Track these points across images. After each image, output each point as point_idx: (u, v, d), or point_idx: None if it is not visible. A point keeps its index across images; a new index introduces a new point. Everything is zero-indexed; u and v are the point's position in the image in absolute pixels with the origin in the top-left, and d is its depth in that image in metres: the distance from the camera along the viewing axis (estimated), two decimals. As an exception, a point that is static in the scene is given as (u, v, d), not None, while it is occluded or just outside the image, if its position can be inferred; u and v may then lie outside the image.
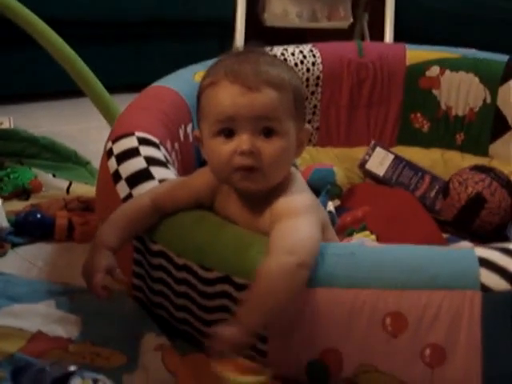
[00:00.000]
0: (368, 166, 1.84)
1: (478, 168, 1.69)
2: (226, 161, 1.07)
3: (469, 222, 1.63)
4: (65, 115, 2.36)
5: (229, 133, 1.07)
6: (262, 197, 1.10)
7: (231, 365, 0.95)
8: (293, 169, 1.15)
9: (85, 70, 1.72)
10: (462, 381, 1.00)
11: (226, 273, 1.05)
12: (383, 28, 2.70)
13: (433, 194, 1.77)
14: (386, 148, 1.86)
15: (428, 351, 0.99)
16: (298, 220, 1.05)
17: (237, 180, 1.08)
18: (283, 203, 1.08)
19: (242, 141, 1.05)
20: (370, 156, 1.84)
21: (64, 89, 2.30)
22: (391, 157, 1.83)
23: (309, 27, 2.46)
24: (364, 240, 1.36)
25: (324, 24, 2.73)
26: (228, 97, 1.06)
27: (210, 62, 1.66)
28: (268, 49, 1.87)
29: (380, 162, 1.82)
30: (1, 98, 2.38)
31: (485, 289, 0.98)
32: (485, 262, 1.00)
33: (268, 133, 1.06)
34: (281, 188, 1.10)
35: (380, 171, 1.82)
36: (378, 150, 1.84)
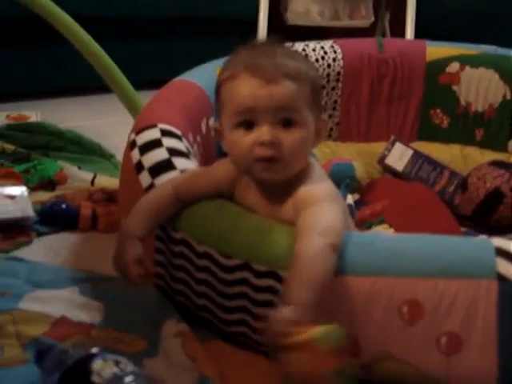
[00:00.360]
0: (387, 160, 1.83)
1: (496, 163, 1.68)
2: (247, 152, 1.07)
3: (487, 216, 1.62)
4: (91, 110, 2.38)
5: (249, 124, 1.07)
6: (281, 187, 1.10)
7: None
8: (311, 158, 1.15)
9: (111, 66, 1.73)
10: (478, 369, 1.00)
11: (246, 260, 1.06)
12: (404, 27, 2.69)
13: (451, 188, 1.76)
14: (406, 143, 1.85)
15: (444, 339, 0.99)
16: (324, 206, 1.05)
17: (257, 170, 1.08)
18: (306, 191, 1.08)
19: (262, 132, 1.06)
20: (389, 151, 1.83)
21: (90, 85, 2.32)
22: (410, 152, 1.82)
23: (330, 26, 2.45)
24: (381, 231, 1.36)
25: (345, 22, 2.74)
26: (247, 89, 1.07)
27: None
28: (289, 45, 1.87)
29: (399, 156, 1.81)
30: (29, 94, 2.40)
31: (501, 278, 0.98)
32: (501, 252, 1.00)
33: (287, 123, 1.07)
34: (300, 177, 1.10)
35: (399, 166, 1.81)
36: (398, 145, 1.83)
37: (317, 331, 0.87)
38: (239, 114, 1.08)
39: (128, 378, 0.90)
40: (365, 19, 2.79)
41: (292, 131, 1.07)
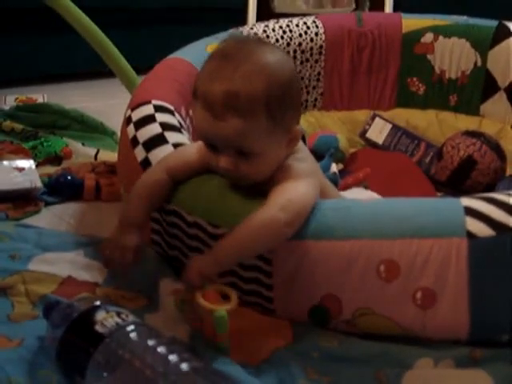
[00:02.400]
0: (368, 134, 1.82)
1: (469, 133, 1.67)
2: (214, 167, 1.05)
3: (461, 182, 1.62)
4: (93, 93, 2.36)
5: (213, 148, 1.03)
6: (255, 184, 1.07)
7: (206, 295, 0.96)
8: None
9: (114, 52, 1.71)
10: (451, 321, 0.99)
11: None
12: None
13: (428, 159, 1.75)
14: (384, 118, 1.84)
15: (419, 294, 0.97)
16: (296, 182, 1.02)
17: (227, 179, 1.07)
18: (281, 172, 1.05)
19: (221, 161, 1.02)
20: (369, 126, 1.82)
21: (94, 70, 2.31)
22: (389, 126, 1.81)
23: (315, 13, 2.45)
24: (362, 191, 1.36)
25: (329, 10, 2.75)
26: (200, 120, 1.01)
27: (220, 35, 1.66)
28: (275, 21, 1.83)
29: (379, 130, 1.80)
30: (37, 78, 2.39)
31: (470, 235, 0.96)
32: (470, 211, 0.98)
33: (243, 154, 1.01)
34: (279, 168, 1.06)
35: (379, 139, 1.80)
36: (377, 120, 1.82)
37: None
38: (203, 139, 1.04)
39: (129, 327, 0.89)
40: (346, 6, 2.80)
41: (250, 160, 1.01)
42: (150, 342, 0.85)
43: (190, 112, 1.46)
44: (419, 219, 0.98)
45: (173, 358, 0.82)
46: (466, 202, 1.00)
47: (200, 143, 1.12)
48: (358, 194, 1.40)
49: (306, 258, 1.00)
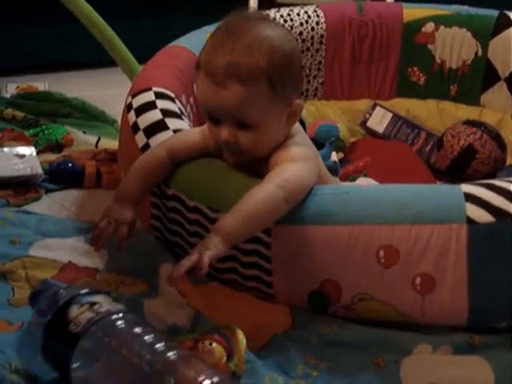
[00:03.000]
0: (369, 123, 1.81)
1: (470, 122, 1.67)
2: (215, 142, 1.05)
3: (461, 171, 1.62)
4: (94, 82, 2.34)
5: (215, 120, 1.04)
6: (255, 161, 1.07)
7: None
8: (295, 127, 1.10)
9: (116, 41, 1.70)
10: (450, 307, 0.99)
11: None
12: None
13: (428, 148, 1.75)
14: (385, 107, 1.83)
15: (419, 280, 0.97)
16: (295, 163, 1.02)
17: (226, 156, 1.07)
18: (281, 154, 1.05)
19: (222, 132, 1.02)
20: (370, 115, 1.81)
21: (95, 59, 2.30)
22: (390, 115, 1.80)
23: (315, 2, 2.43)
24: (363, 179, 1.35)
25: None
26: (203, 91, 1.03)
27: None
28: (276, 10, 1.83)
29: (380, 119, 1.80)
30: (38, 67, 2.37)
31: (470, 221, 0.96)
32: (470, 197, 0.98)
33: (243, 125, 1.02)
34: (277, 147, 1.06)
35: (380, 128, 1.79)
36: (378, 109, 1.81)
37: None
38: (205, 111, 1.05)
39: (101, 322, 0.86)
40: None
41: (249, 131, 1.02)
42: (137, 331, 0.84)
43: (191, 99, 1.45)
44: (419, 205, 0.98)
45: (160, 346, 0.82)
46: (466, 188, 1.00)
47: (203, 127, 1.12)
48: (361, 182, 1.40)
49: (306, 242, 0.99)
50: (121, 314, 0.88)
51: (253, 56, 0.98)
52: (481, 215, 0.96)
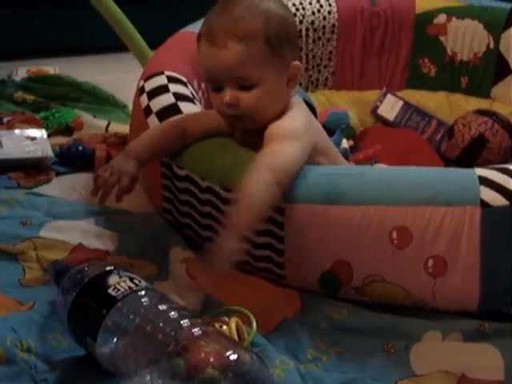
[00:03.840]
0: (380, 111, 1.81)
1: (481, 112, 1.66)
2: (220, 110, 1.08)
3: (471, 160, 1.61)
4: (105, 67, 2.35)
5: (218, 88, 1.07)
6: (261, 130, 1.08)
7: None
8: (296, 97, 1.12)
9: (128, 25, 1.70)
10: (462, 290, 0.99)
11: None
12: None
13: (438, 136, 1.74)
14: (396, 95, 1.82)
15: (431, 262, 0.97)
16: (286, 143, 1.03)
17: (231, 123, 1.10)
18: (274, 127, 1.06)
19: (225, 96, 1.05)
20: (381, 102, 1.81)
21: (106, 44, 2.29)
22: (401, 103, 1.80)
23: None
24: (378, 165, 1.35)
25: None
26: (205, 56, 1.07)
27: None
28: (288, -2, 1.82)
29: (391, 107, 1.79)
30: (50, 51, 2.36)
31: (484, 204, 0.96)
32: (484, 180, 0.98)
33: (245, 86, 1.05)
34: (276, 118, 1.08)
35: (390, 116, 1.79)
36: (389, 96, 1.81)
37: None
38: (208, 78, 1.08)
39: (142, 292, 0.88)
40: None
41: (250, 91, 1.05)
42: (162, 307, 0.85)
43: (202, 85, 1.45)
44: (433, 187, 0.98)
45: (184, 322, 0.82)
46: (481, 171, 1.00)
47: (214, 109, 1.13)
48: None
49: (319, 222, 1.00)
50: (151, 291, 0.90)
51: (250, 17, 1.03)
52: (495, 198, 0.96)
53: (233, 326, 0.93)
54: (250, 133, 1.11)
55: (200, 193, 1.10)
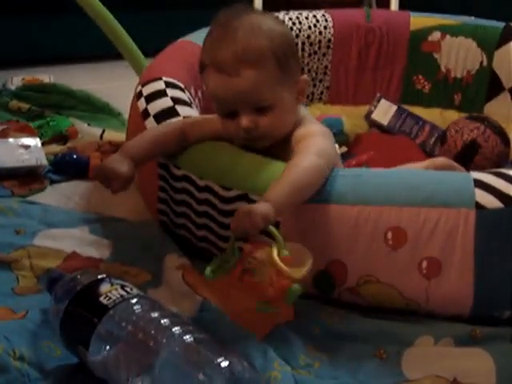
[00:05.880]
0: (373, 115, 1.82)
1: (473, 117, 1.68)
2: (236, 135, 1.09)
3: (464, 166, 1.59)
4: (100, 75, 2.37)
5: (232, 114, 1.07)
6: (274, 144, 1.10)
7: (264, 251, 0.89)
8: (302, 109, 1.15)
9: (123, 33, 1.72)
10: (456, 292, 1.00)
11: (244, 191, 1.05)
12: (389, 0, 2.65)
13: (432, 141, 1.76)
14: (390, 100, 1.85)
15: (425, 263, 0.99)
16: (319, 137, 1.06)
17: (248, 144, 1.09)
18: (301, 132, 1.08)
19: (242, 120, 1.06)
20: (375, 107, 1.83)
21: (101, 52, 2.32)
22: (394, 107, 1.82)
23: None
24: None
25: None
26: (216, 86, 1.06)
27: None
28: (284, 13, 1.85)
29: (384, 112, 1.81)
30: (44, 60, 2.39)
31: (479, 206, 0.98)
32: (479, 183, 1.00)
33: (260, 108, 1.06)
34: (294, 129, 1.10)
35: (384, 121, 1.81)
36: (383, 101, 1.83)
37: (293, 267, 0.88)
38: (222, 107, 1.08)
39: (134, 300, 0.89)
40: None
41: (267, 113, 1.06)
42: (154, 314, 0.86)
43: (199, 93, 1.47)
44: (429, 188, 1.00)
45: (176, 329, 0.83)
46: (476, 175, 1.02)
47: (216, 116, 1.14)
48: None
49: (315, 221, 1.01)
50: (142, 298, 0.91)
51: (256, 39, 1.03)
52: (489, 201, 0.97)
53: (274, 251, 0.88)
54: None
55: (197, 192, 1.11)
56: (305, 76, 1.12)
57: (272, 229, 0.90)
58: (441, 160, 1.35)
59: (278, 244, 0.90)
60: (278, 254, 0.89)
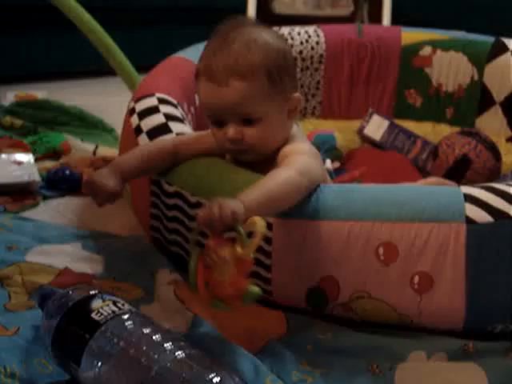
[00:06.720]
0: (366, 131, 1.83)
1: (464, 132, 1.68)
2: (222, 143, 1.09)
3: (456, 181, 1.60)
4: (93, 91, 2.38)
5: (220, 123, 1.08)
6: (261, 161, 1.10)
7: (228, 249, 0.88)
8: (294, 127, 1.14)
9: (116, 50, 1.73)
10: (447, 307, 1.00)
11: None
12: (381, 16, 2.67)
13: (424, 156, 1.77)
14: (382, 115, 1.86)
15: (417, 278, 0.99)
16: (304, 156, 1.06)
17: (233, 155, 1.11)
18: (288, 148, 1.08)
19: (227, 130, 1.06)
20: (367, 122, 1.84)
21: (94, 68, 2.34)
22: (386, 123, 1.83)
23: (313, 15, 2.48)
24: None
25: (328, 12, 2.75)
26: (206, 94, 1.07)
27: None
28: (277, 29, 1.86)
29: (377, 127, 1.82)
30: (37, 76, 2.41)
31: (469, 221, 0.98)
32: (470, 198, 1.00)
33: (247, 120, 1.06)
34: (282, 146, 1.10)
35: (377, 136, 1.82)
36: (375, 117, 1.84)
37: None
38: (209, 115, 1.09)
39: (125, 316, 0.89)
40: (345, 8, 2.80)
41: (254, 126, 1.06)
42: (146, 330, 0.86)
43: (192, 109, 1.48)
44: (419, 203, 1.00)
45: (168, 345, 0.83)
46: (466, 189, 1.02)
47: (209, 132, 1.15)
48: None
49: (307, 237, 1.01)
50: (134, 314, 0.91)
51: (250, 53, 1.04)
52: (480, 215, 0.98)
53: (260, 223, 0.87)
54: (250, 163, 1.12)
55: (189, 208, 1.11)
56: (298, 94, 1.11)
57: (239, 228, 0.88)
58: (432, 180, 1.36)
59: (242, 243, 0.88)
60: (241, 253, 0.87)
